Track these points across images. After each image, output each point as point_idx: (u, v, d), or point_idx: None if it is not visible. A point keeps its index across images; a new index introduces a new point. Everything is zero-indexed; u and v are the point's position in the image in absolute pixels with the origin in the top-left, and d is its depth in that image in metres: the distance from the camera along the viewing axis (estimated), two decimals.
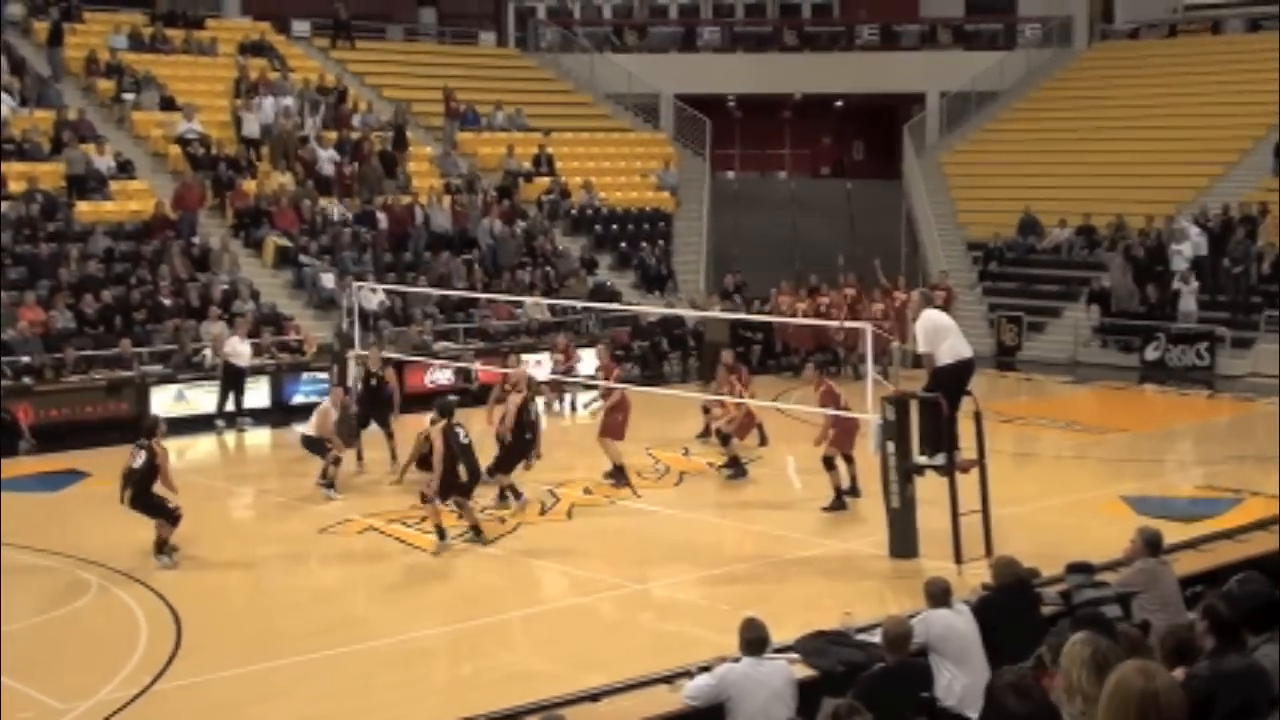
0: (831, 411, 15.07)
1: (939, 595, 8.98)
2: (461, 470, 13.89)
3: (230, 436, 20.35)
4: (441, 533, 13.73)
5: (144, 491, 13.29)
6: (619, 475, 16.32)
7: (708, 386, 22.39)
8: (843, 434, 15.08)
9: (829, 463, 15.08)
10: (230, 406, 20.58)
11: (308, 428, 16.70)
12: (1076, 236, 29.49)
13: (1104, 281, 27.44)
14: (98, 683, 10.03)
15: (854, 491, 15.21)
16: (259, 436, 20.51)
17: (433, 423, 14.36)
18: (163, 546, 13.25)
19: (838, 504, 15.01)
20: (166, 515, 13.30)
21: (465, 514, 14.02)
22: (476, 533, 13.94)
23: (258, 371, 21.42)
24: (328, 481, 16.11)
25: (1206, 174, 29.96)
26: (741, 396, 17.37)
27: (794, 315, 23.90)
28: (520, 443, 15.53)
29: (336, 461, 16.31)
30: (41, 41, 28.76)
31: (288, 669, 10.56)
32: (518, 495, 15.33)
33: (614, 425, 16.50)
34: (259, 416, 21.04)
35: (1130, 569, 9.90)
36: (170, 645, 10.94)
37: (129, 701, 9.75)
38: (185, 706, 9.85)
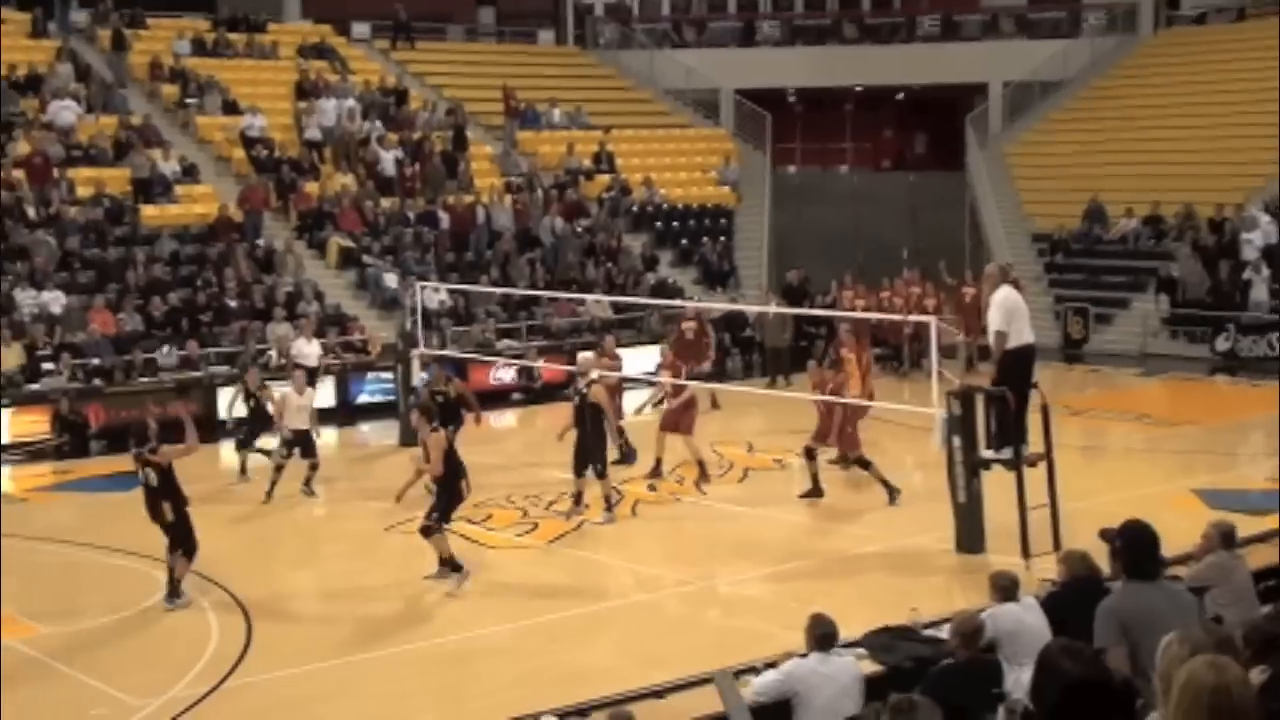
0: (838, 400, 15.11)
1: (1007, 589, 8.83)
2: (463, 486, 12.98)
3: None
4: (455, 565, 12.52)
5: (165, 509, 12.09)
6: (700, 470, 16.35)
7: (773, 384, 22.33)
8: (854, 430, 15.13)
9: (863, 462, 15.19)
10: None
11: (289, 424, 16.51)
12: (1144, 226, 29.06)
13: (1172, 271, 27.04)
14: (170, 680, 10.16)
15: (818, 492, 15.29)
16: (325, 436, 20.57)
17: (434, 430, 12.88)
18: (176, 585, 12.00)
19: (891, 493, 15.00)
20: (186, 544, 12.06)
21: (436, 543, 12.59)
22: (453, 567, 12.55)
23: (324, 372, 21.56)
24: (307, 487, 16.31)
25: (1277, 160, 29.35)
26: (865, 379, 16.85)
27: (855, 310, 23.72)
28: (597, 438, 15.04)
29: (314, 467, 16.44)
30: (106, 48, 29.20)
31: (354, 666, 10.63)
32: (578, 501, 14.97)
33: (688, 422, 16.50)
34: (325, 416, 21.09)
35: (1203, 563, 9.70)
36: (240, 642, 11.07)
37: (200, 698, 9.87)
38: (254, 703, 9.95)
